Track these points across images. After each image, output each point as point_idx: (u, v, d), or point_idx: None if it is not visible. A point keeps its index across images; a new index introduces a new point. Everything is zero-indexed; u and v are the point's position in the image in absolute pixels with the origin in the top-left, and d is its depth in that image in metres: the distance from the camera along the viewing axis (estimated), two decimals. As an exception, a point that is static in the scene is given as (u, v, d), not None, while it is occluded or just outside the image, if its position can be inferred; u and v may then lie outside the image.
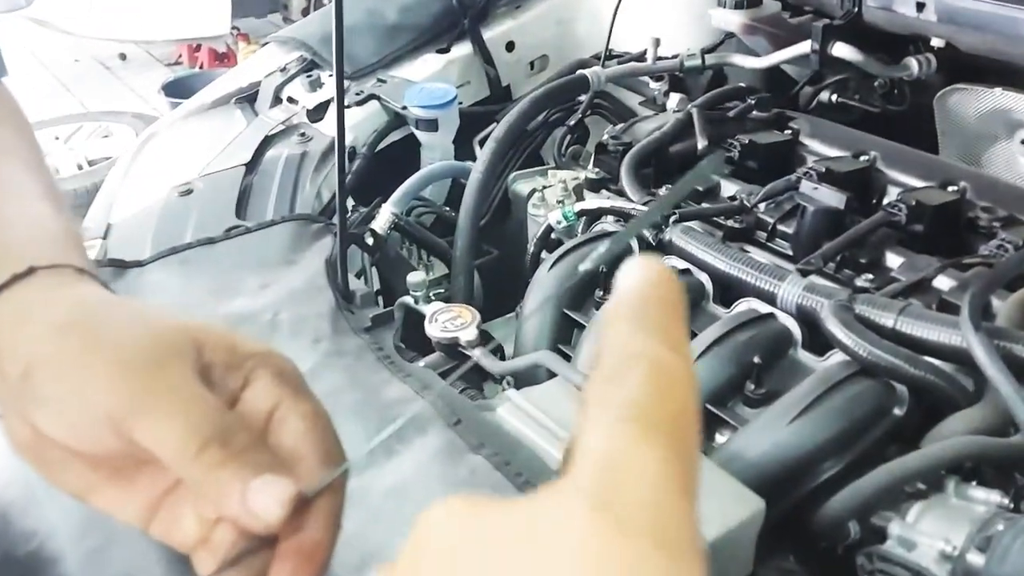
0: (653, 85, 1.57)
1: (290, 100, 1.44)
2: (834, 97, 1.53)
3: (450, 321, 0.95)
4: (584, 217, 1.25)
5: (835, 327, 0.90)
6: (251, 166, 1.27)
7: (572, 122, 1.51)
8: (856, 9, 1.40)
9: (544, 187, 1.38)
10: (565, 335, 1.12)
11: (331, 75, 1.47)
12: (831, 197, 1.11)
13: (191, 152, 1.38)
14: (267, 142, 1.32)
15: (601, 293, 1.13)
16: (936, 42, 1.37)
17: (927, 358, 0.88)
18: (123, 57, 5.74)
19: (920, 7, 1.29)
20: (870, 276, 1.04)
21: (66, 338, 0.45)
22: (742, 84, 1.48)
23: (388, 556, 0.45)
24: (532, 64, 1.71)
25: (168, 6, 4.73)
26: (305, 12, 4.78)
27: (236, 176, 1.24)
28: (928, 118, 1.45)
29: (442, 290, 1.34)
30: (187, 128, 1.45)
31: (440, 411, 0.80)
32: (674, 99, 1.51)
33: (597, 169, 1.33)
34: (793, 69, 1.61)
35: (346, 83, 1.46)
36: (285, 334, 0.93)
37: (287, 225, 1.12)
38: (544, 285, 1.15)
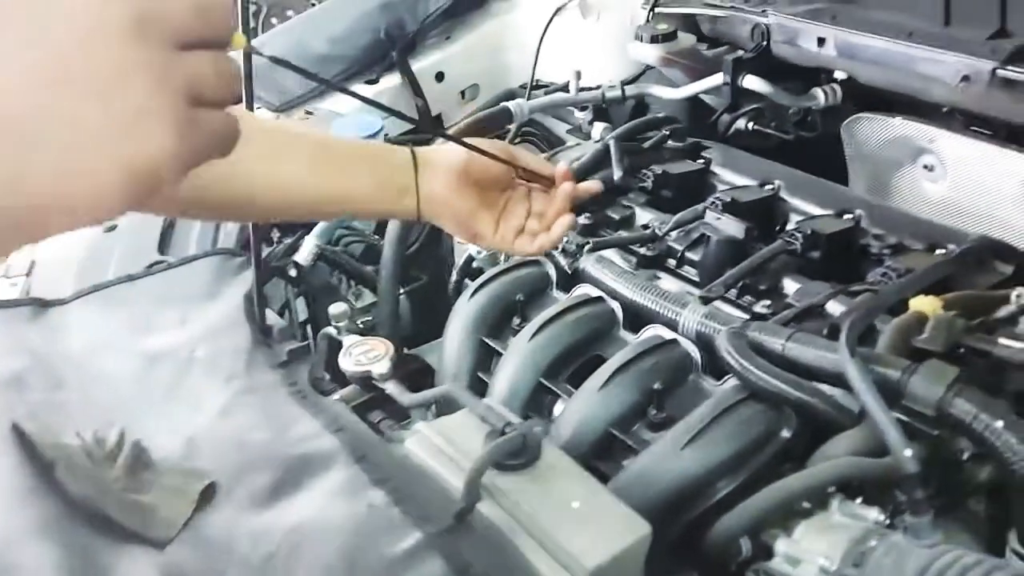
0: (578, 115, 1.62)
1: (218, 133, 1.45)
2: (750, 125, 1.60)
3: (364, 354, 0.98)
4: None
5: (727, 353, 0.95)
6: (176, 200, 1.29)
7: (499, 151, 1.55)
8: (765, 43, 1.47)
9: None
10: (484, 362, 1.16)
11: (259, 107, 1.50)
12: (733, 227, 1.16)
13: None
14: (193, 176, 1.34)
15: (519, 321, 1.17)
16: (839, 74, 1.44)
17: (817, 383, 0.94)
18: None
19: (821, 42, 1.36)
20: (768, 302, 1.09)
21: None
22: (661, 114, 1.53)
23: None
24: (463, 93, 1.75)
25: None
26: (254, 32, 4.76)
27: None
28: (840, 145, 1.52)
29: (370, 317, 1.37)
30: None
31: (346, 446, 0.83)
32: (598, 128, 1.56)
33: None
34: (712, 99, 1.67)
35: (275, 115, 1.49)
36: (200, 371, 0.96)
37: (208, 260, 1.15)
38: (464, 313, 1.19)
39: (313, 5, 2.28)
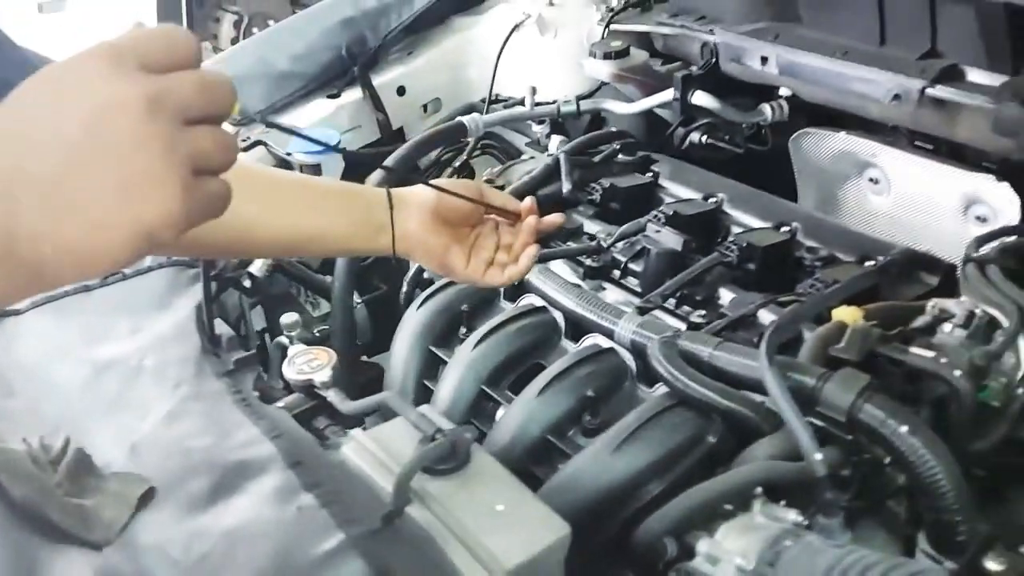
0: (536, 128, 1.66)
1: (180, 146, 1.48)
2: (703, 138, 1.64)
3: (306, 363, 1.01)
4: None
5: (657, 362, 0.99)
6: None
7: (458, 163, 1.59)
8: (714, 61, 1.52)
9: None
10: (430, 370, 1.20)
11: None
12: (671, 239, 1.20)
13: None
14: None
15: (464, 331, 1.21)
16: (784, 90, 1.49)
17: (748, 391, 0.97)
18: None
19: (764, 60, 1.40)
20: (703, 312, 1.13)
21: None
22: (613, 129, 1.58)
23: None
24: (425, 107, 1.79)
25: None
26: (234, 41, 4.79)
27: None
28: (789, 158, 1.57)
29: (326, 326, 1.40)
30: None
31: (282, 452, 0.86)
32: (555, 141, 1.60)
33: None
34: (668, 113, 1.71)
35: (235, 129, 1.52)
36: (148, 379, 0.99)
37: (163, 271, 1.18)
38: (412, 323, 1.22)
39: (295, 12, 2.30)
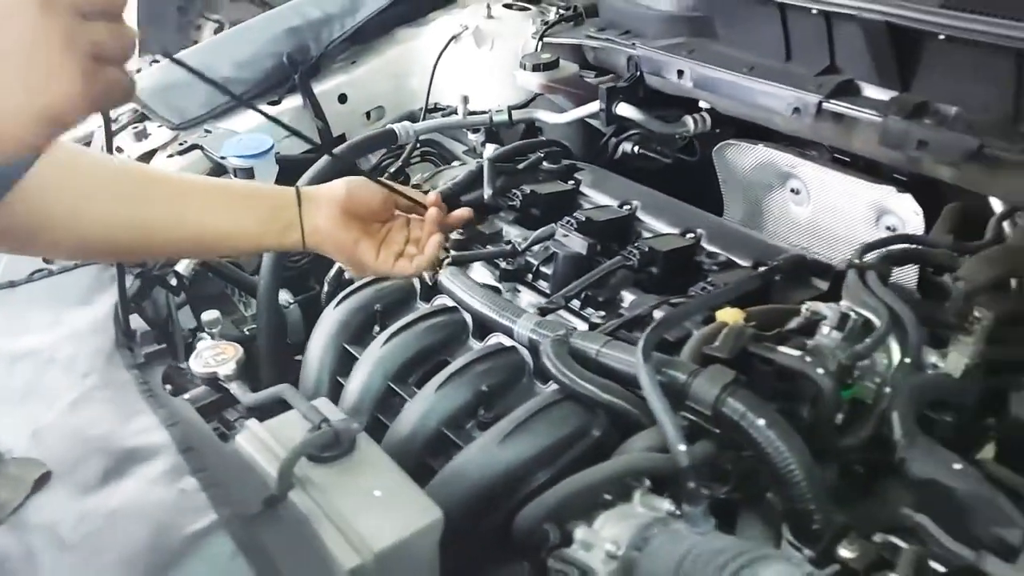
0: (471, 136, 1.71)
1: (119, 149, 1.54)
2: (636, 148, 1.70)
3: (212, 357, 1.06)
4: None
5: (547, 359, 1.04)
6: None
7: (393, 169, 1.64)
8: (639, 74, 1.57)
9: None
10: (345, 367, 1.24)
11: (159, 126, 1.58)
12: (578, 243, 1.25)
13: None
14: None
15: (378, 329, 1.26)
16: (704, 103, 1.54)
17: (634, 387, 1.02)
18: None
19: (680, 74, 1.46)
20: (603, 313, 1.18)
21: None
22: (544, 138, 1.63)
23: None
24: (368, 114, 1.84)
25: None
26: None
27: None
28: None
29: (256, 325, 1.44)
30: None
31: (175, 439, 0.90)
32: (490, 148, 1.65)
33: (401, 214, 1.45)
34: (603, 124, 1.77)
35: (174, 133, 1.57)
36: (59, 369, 1.03)
37: (88, 269, 1.22)
38: (328, 321, 1.27)
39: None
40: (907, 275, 1.29)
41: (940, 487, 0.82)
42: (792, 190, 1.56)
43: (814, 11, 1.22)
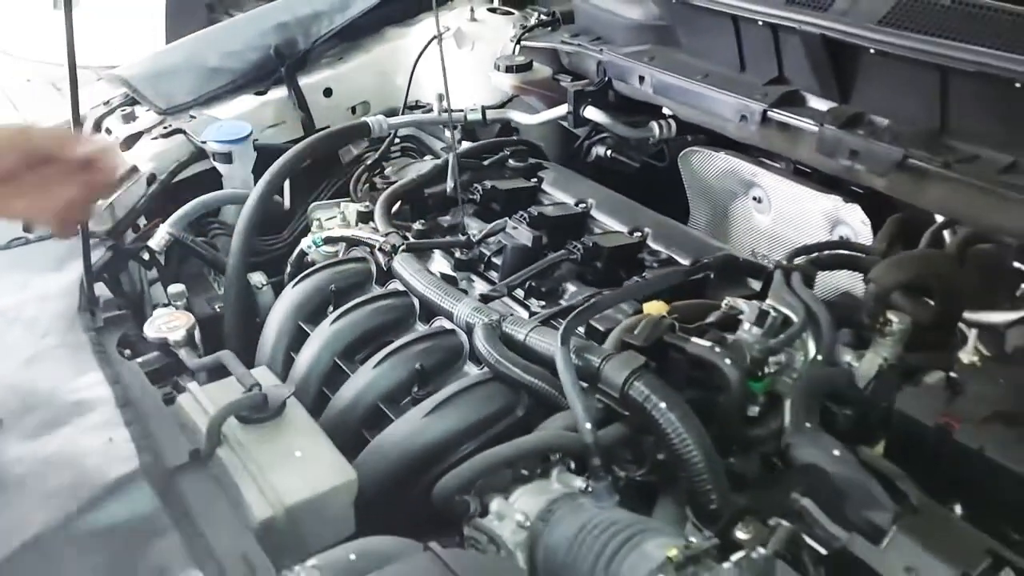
0: (447, 134, 1.78)
1: (107, 131, 1.62)
2: (608, 152, 1.75)
3: (164, 324, 1.13)
4: (343, 243, 1.45)
5: (478, 340, 1.10)
6: (51, 187, 1.44)
7: (370, 161, 1.71)
8: (607, 78, 1.63)
9: (328, 218, 1.57)
10: (298, 343, 1.30)
11: (147, 110, 1.66)
12: (525, 236, 1.31)
13: None
14: (73, 166, 1.50)
15: (332, 309, 1.32)
16: (666, 110, 1.59)
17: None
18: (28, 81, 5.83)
19: (641, 79, 1.51)
20: (543, 302, 1.24)
21: None
22: (514, 137, 1.69)
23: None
24: (354, 109, 1.91)
25: (110, 33, 4.88)
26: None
27: (34, 195, 1.42)
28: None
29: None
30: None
31: (116, 395, 0.97)
32: (465, 146, 1.71)
33: (367, 203, 1.52)
34: (583, 128, 1.81)
35: (160, 117, 1.65)
36: (22, 327, 1.10)
37: (64, 240, 1.29)
38: (286, 300, 1.33)
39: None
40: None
41: (820, 471, 0.86)
42: (755, 198, 1.60)
43: (760, 23, 1.27)
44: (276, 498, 0.88)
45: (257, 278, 1.54)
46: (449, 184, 1.48)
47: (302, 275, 1.34)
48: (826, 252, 1.20)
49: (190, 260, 1.56)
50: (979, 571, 0.74)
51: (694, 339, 1.02)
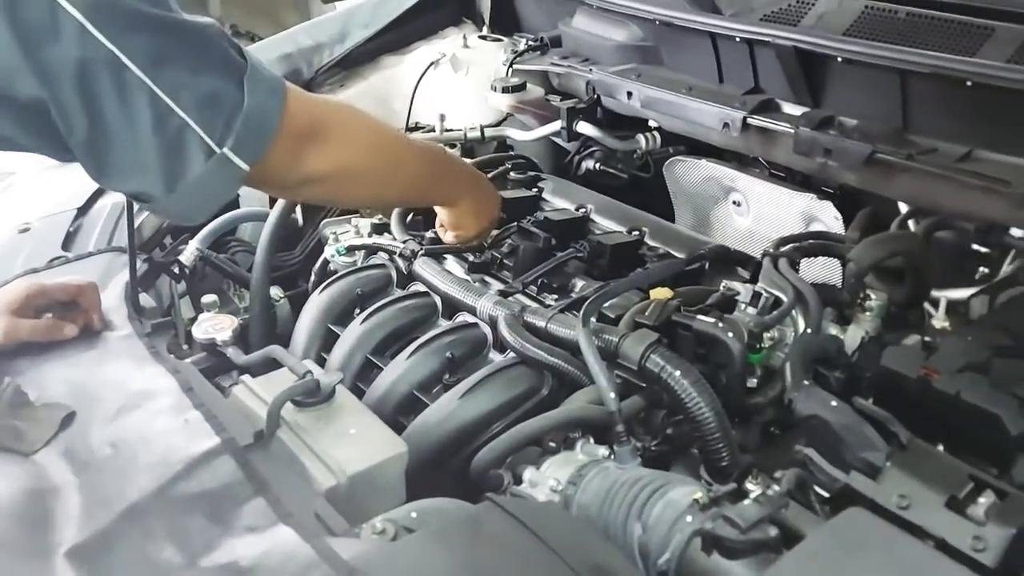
0: (448, 151, 1.90)
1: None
2: (597, 165, 1.88)
3: (211, 326, 1.22)
4: (363, 251, 1.55)
5: (503, 328, 1.21)
6: (84, 209, 1.53)
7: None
8: (597, 96, 1.77)
9: (342, 232, 1.67)
10: (329, 344, 1.40)
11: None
12: (535, 238, 1.43)
13: (42, 198, 1.63)
14: (101, 190, 1.59)
15: (359, 311, 1.42)
16: (652, 123, 1.73)
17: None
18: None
19: (629, 95, 1.65)
20: (555, 296, 1.35)
21: None
22: (512, 152, 1.82)
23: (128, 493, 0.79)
24: (355, 133, 2.02)
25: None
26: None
27: (68, 217, 1.50)
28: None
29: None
30: (42, 178, 1.71)
31: (179, 382, 1.06)
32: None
33: (380, 216, 1.63)
34: (572, 144, 1.94)
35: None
36: (82, 336, 1.19)
37: (102, 256, 1.38)
38: (314, 304, 1.43)
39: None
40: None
41: (819, 420, 0.99)
42: (734, 202, 1.74)
43: (737, 39, 1.42)
44: (339, 468, 0.97)
45: (275, 291, 1.64)
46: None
47: (328, 281, 1.45)
48: (807, 241, 1.34)
49: (209, 277, 1.65)
50: (964, 493, 0.86)
51: (699, 317, 1.15)
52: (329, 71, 1.97)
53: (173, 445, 0.95)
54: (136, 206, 1.29)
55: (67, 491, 0.93)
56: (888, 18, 1.27)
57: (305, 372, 1.07)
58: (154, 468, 0.92)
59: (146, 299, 1.31)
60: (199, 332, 1.22)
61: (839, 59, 1.28)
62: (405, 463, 1.02)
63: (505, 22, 2.05)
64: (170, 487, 0.89)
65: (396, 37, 2.06)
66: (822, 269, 1.47)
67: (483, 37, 2.06)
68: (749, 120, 1.44)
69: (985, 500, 0.85)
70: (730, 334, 1.11)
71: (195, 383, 1.07)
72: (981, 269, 1.35)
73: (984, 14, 1.23)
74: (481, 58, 1.97)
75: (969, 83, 1.15)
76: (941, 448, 0.97)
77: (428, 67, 1.92)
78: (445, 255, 1.47)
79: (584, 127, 1.74)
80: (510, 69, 1.89)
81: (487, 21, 2.07)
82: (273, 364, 1.16)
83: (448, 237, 1.21)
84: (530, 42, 1.95)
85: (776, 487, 0.92)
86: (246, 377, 1.11)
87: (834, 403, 0.99)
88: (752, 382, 1.19)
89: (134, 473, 0.92)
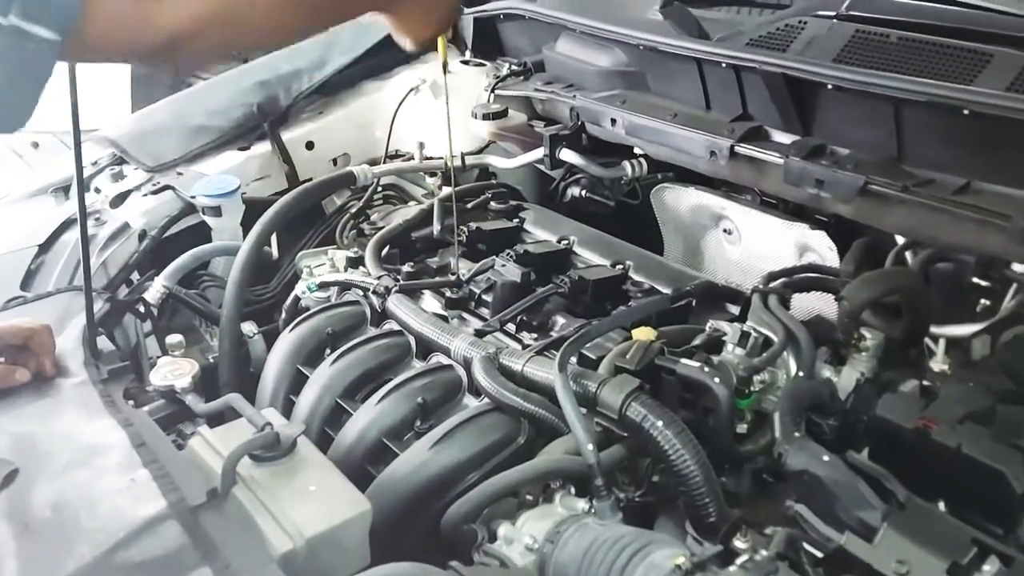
0: (428, 180, 1.84)
1: (96, 190, 1.65)
2: (583, 192, 1.82)
3: (170, 371, 1.16)
4: (336, 287, 1.49)
5: (477, 372, 1.14)
6: (45, 246, 1.47)
7: (354, 210, 1.76)
8: (580, 122, 1.71)
9: (317, 265, 1.61)
10: (297, 386, 1.33)
11: (136, 168, 1.70)
12: (514, 273, 1.37)
13: (1, 234, 1.57)
14: (65, 225, 1.53)
15: (330, 351, 1.35)
16: (638, 150, 1.68)
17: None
18: (35, 145, 5.86)
19: (613, 122, 1.60)
20: (535, 335, 1.29)
21: None
22: (494, 180, 1.76)
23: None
24: (335, 160, 1.97)
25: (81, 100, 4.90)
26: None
27: (28, 254, 1.45)
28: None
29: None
30: (2, 214, 1.65)
31: (131, 437, 0.99)
32: (445, 191, 1.78)
33: (356, 249, 1.57)
34: (558, 171, 1.88)
35: (149, 175, 1.69)
36: (33, 382, 1.12)
37: (61, 296, 1.32)
38: (283, 343, 1.37)
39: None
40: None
41: (811, 476, 0.92)
42: (725, 230, 1.68)
43: (724, 65, 1.36)
44: (296, 531, 0.90)
45: (248, 327, 1.57)
46: (436, 227, 1.54)
47: (298, 320, 1.38)
48: (798, 276, 1.28)
49: (181, 312, 1.59)
50: (967, 559, 0.80)
51: (683, 360, 1.08)
52: (308, 98, 1.92)
53: (118, 508, 0.88)
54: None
55: (4, 558, 0.87)
56: (880, 43, 1.21)
57: (264, 424, 1.01)
58: (96, 534, 0.85)
59: (105, 342, 1.24)
60: (157, 378, 1.16)
61: (829, 86, 1.23)
62: (369, 523, 0.96)
63: (487, 47, 2.00)
64: (111, 555, 0.82)
65: (377, 63, 2.01)
66: (817, 300, 1.41)
67: (465, 62, 2.01)
68: (737, 148, 1.38)
69: (990, 568, 0.78)
70: (716, 379, 1.05)
71: (148, 436, 1.01)
72: (982, 301, 1.29)
73: (982, 38, 1.17)
74: (463, 84, 1.91)
75: (967, 112, 1.09)
76: (941, 505, 0.90)
77: (408, 93, 1.87)
78: (422, 291, 1.41)
79: (567, 155, 1.68)
80: (492, 95, 1.84)
81: (469, 45, 2.02)
82: (234, 412, 1.09)
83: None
84: (513, 67, 1.90)
85: (764, 551, 0.85)
86: (204, 428, 1.05)
87: (826, 457, 0.93)
88: (742, 427, 1.13)
89: (75, 539, 0.85)
